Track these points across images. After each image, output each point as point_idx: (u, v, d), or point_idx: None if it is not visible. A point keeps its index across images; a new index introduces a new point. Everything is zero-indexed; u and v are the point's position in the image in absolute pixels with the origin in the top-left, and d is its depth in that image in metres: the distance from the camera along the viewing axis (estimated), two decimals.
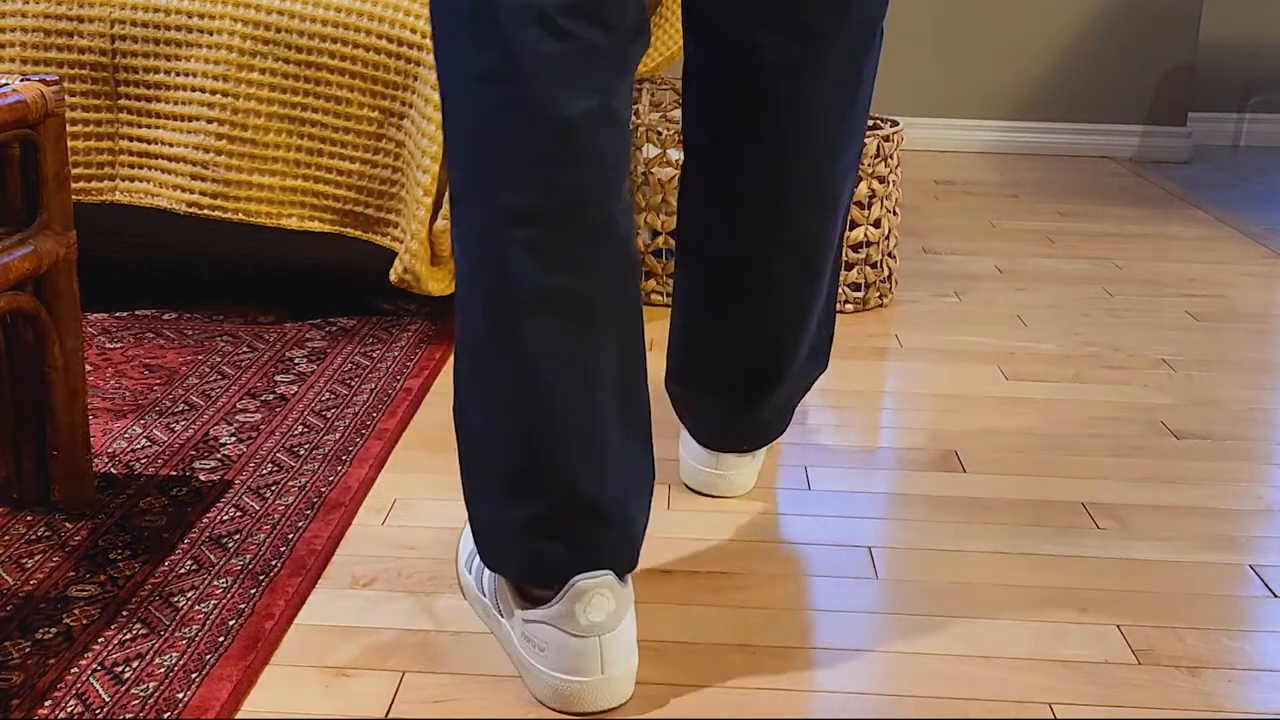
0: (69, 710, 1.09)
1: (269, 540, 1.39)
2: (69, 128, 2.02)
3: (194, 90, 2.00)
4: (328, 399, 1.79)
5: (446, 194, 1.92)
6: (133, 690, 1.12)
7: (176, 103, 2.01)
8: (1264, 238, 2.95)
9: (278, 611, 1.25)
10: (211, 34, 1.98)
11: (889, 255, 2.31)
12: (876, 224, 2.28)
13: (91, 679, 1.13)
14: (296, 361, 1.93)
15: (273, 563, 1.34)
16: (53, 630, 1.20)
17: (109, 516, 1.43)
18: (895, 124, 2.36)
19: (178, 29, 1.99)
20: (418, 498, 1.52)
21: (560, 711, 1.12)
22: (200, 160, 2.01)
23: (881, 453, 1.69)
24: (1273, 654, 1.24)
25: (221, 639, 1.20)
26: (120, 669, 1.15)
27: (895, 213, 2.34)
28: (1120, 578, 1.37)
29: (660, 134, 2.26)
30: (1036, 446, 1.72)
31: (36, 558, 1.34)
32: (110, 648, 1.18)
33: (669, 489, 1.55)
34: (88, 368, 1.88)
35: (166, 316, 2.13)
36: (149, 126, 2.03)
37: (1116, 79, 3.94)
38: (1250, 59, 4.17)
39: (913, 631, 1.26)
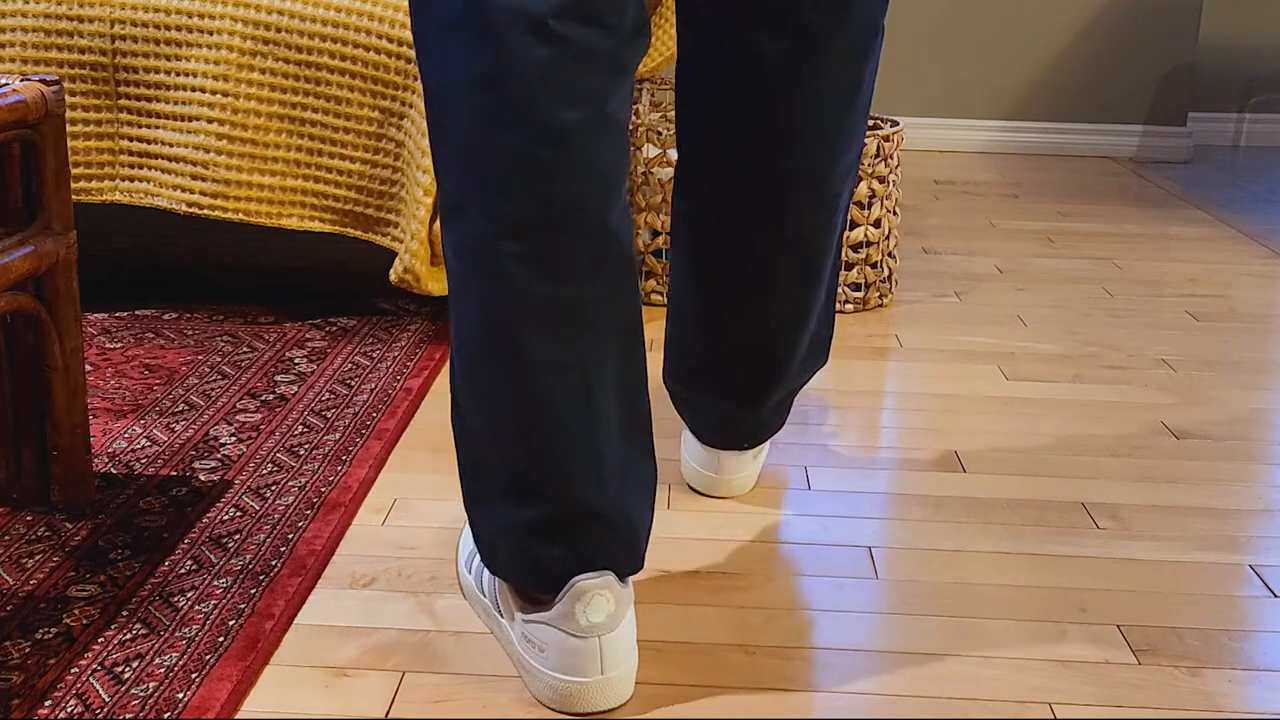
0: (69, 710, 1.09)
1: (269, 540, 1.39)
2: (69, 128, 2.02)
3: (194, 90, 2.00)
4: (328, 399, 1.79)
5: None
6: (133, 690, 1.12)
7: (176, 103, 2.01)
8: (1264, 238, 2.95)
9: (278, 611, 1.25)
10: (211, 34, 1.99)
11: (889, 255, 2.31)
12: (876, 224, 2.28)
13: (91, 679, 1.13)
14: (296, 361, 1.93)
15: (273, 563, 1.34)
16: (53, 630, 1.20)
17: (109, 516, 1.43)
18: (895, 124, 2.36)
19: (178, 29, 1.99)
20: (418, 498, 1.52)
21: (560, 712, 1.12)
22: (200, 160, 2.01)
23: (881, 453, 1.69)
24: (1273, 654, 1.24)
25: (221, 639, 1.20)
26: (120, 669, 1.15)
27: (895, 213, 2.34)
28: (1120, 578, 1.37)
29: (660, 134, 2.26)
30: (1036, 446, 1.72)
31: (36, 558, 1.34)
32: (110, 648, 1.18)
33: (669, 489, 1.55)
34: (88, 368, 1.88)
35: (166, 316, 2.13)
36: (149, 126, 2.03)
37: (1116, 79, 3.94)
38: (1250, 59, 4.17)
39: (913, 631, 1.26)
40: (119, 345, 1.99)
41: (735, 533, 1.45)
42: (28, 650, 1.17)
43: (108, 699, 1.10)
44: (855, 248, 2.26)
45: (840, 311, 2.27)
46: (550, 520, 1.10)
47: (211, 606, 1.25)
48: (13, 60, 2.00)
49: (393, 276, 1.98)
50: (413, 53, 1.95)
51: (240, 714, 1.11)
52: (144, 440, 1.64)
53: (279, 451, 1.61)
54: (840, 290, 2.26)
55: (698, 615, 1.28)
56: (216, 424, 1.69)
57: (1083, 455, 1.69)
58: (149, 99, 2.02)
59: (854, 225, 2.25)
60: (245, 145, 2.00)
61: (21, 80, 1.33)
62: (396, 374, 1.89)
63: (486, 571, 1.21)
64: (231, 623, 1.23)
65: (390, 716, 1.11)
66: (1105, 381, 1.97)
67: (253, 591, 1.28)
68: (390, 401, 1.78)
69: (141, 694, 1.11)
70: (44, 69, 2.01)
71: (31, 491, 1.44)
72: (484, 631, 1.24)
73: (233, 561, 1.34)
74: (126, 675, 1.14)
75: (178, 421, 1.70)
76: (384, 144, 1.99)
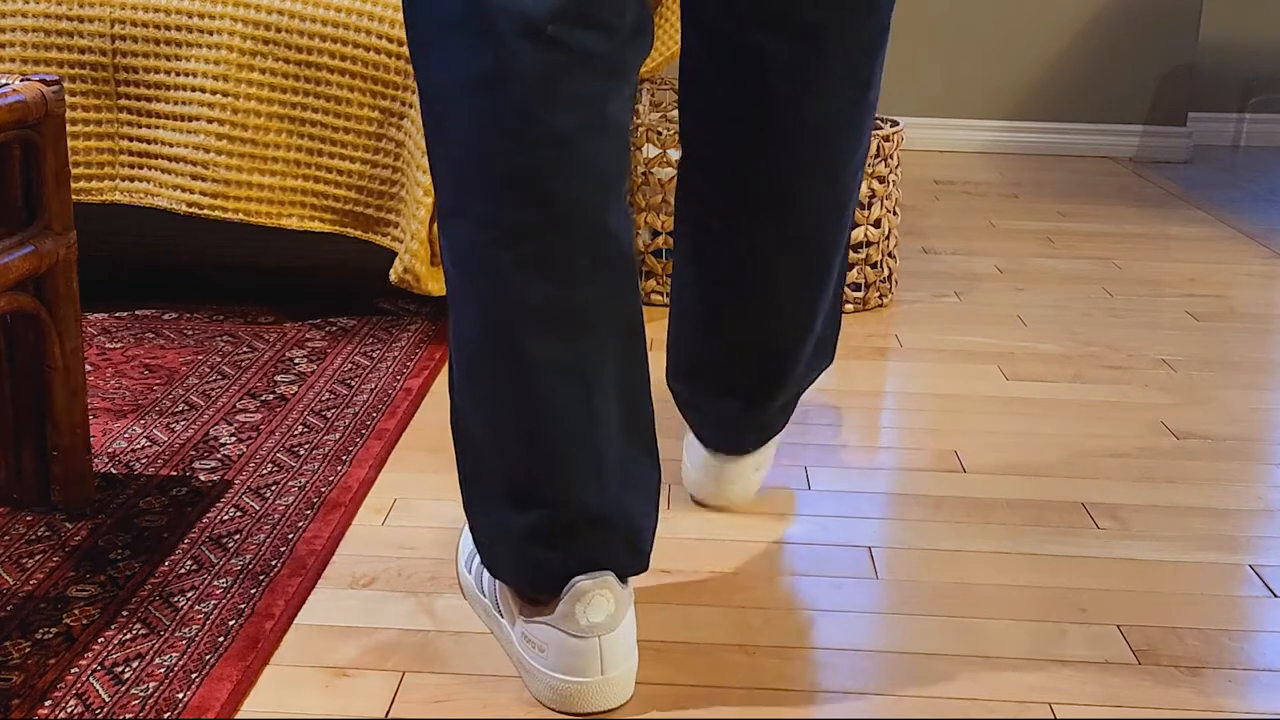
0: (69, 710, 1.09)
1: (269, 540, 1.39)
2: (69, 128, 2.02)
3: (194, 90, 2.00)
4: (328, 399, 1.79)
5: None
6: (133, 690, 1.12)
7: (176, 103, 2.01)
8: (1264, 238, 2.95)
9: (278, 611, 1.25)
10: (211, 34, 1.99)
11: (889, 255, 2.31)
12: (876, 224, 2.28)
13: (91, 679, 1.13)
14: (296, 361, 1.93)
15: (273, 563, 1.34)
16: (53, 630, 1.20)
17: (109, 516, 1.43)
18: (895, 124, 2.36)
19: (178, 29, 1.99)
20: (418, 498, 1.52)
21: (560, 712, 1.12)
22: (200, 160, 2.01)
23: (881, 453, 1.69)
24: (1273, 654, 1.24)
25: (221, 639, 1.20)
26: (120, 669, 1.15)
27: (895, 213, 2.34)
28: (1120, 578, 1.37)
29: (660, 134, 2.26)
30: (1036, 446, 1.72)
31: (36, 558, 1.34)
32: (110, 648, 1.18)
33: (669, 489, 1.55)
34: (88, 368, 1.88)
35: (166, 316, 2.13)
36: (149, 126, 2.03)
37: (1116, 79, 3.94)
38: (1250, 59, 4.17)
39: (913, 631, 1.26)
40: (119, 345, 1.99)
41: (735, 533, 1.45)
42: (28, 650, 1.17)
43: (108, 699, 1.10)
44: (855, 248, 2.26)
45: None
46: (551, 526, 1.10)
47: (211, 606, 1.25)
48: (13, 60, 2.00)
49: (393, 276, 1.98)
50: None
51: (240, 714, 1.11)
52: (144, 440, 1.64)
53: (279, 451, 1.61)
54: None
55: (698, 615, 1.28)
56: (216, 424, 1.69)
57: (1083, 455, 1.69)
58: (149, 99, 2.02)
59: (854, 225, 2.25)
60: (245, 145, 2.00)
61: (21, 80, 1.33)
62: (396, 374, 1.89)
63: (486, 572, 1.21)
64: (231, 623, 1.23)
65: (390, 716, 1.11)
66: (1105, 381, 1.97)
67: (253, 591, 1.28)
68: (390, 401, 1.78)
69: (141, 694, 1.11)
70: (44, 69, 2.01)
71: (31, 491, 1.44)
72: (484, 631, 1.24)
73: (233, 561, 1.34)
74: (126, 675, 1.14)
75: (178, 421, 1.70)
76: (384, 144, 1.99)
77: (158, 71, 2.01)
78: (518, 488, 1.11)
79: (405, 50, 1.96)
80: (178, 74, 2.00)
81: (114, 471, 1.55)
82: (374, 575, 1.34)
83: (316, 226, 2.04)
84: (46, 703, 1.10)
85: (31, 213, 1.35)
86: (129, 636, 1.20)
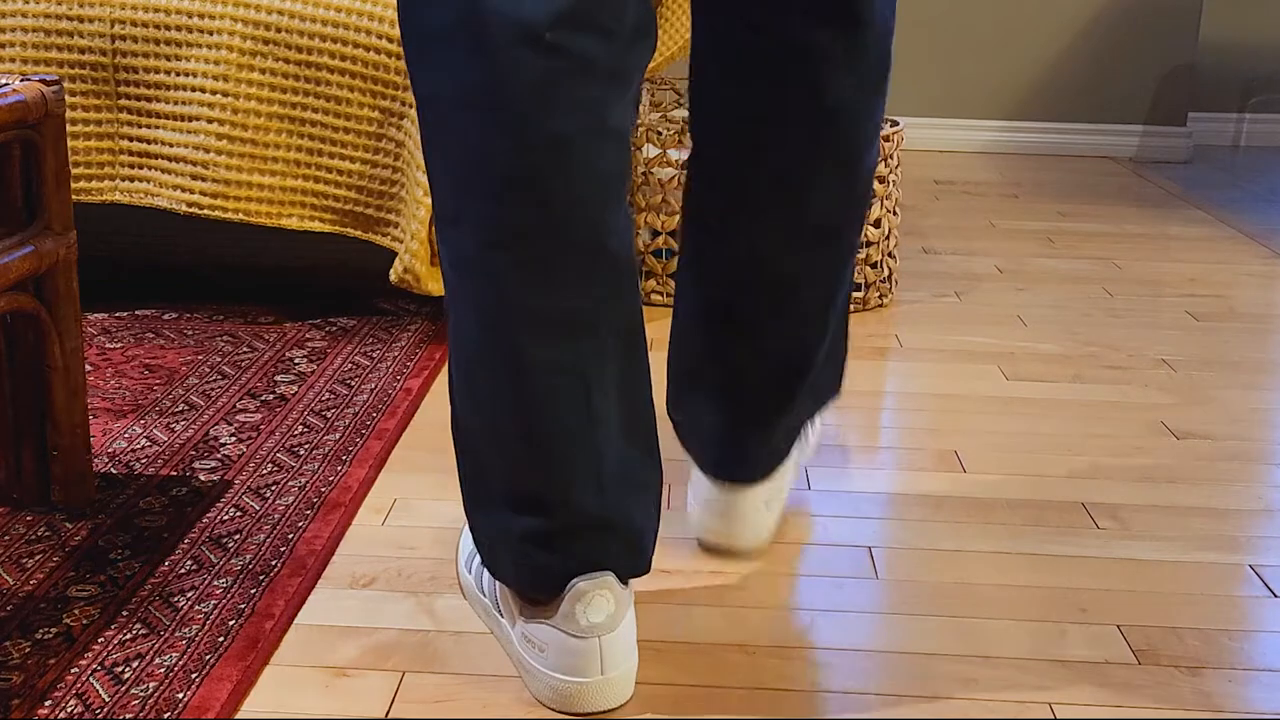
0: (69, 710, 1.09)
1: (269, 540, 1.39)
2: (69, 128, 2.02)
3: (194, 90, 2.00)
4: (328, 399, 1.79)
5: None
6: (133, 690, 1.12)
7: (176, 103, 2.01)
8: (1264, 238, 2.95)
9: (278, 611, 1.25)
10: (211, 34, 1.99)
11: (889, 255, 2.32)
12: (876, 224, 2.28)
13: (91, 679, 1.13)
14: (296, 361, 1.93)
15: (273, 563, 1.34)
16: (53, 630, 1.20)
17: (109, 516, 1.43)
18: (895, 124, 2.36)
19: (178, 29, 1.99)
20: (418, 498, 1.52)
21: (560, 712, 1.12)
22: (200, 160, 2.01)
23: (881, 453, 1.69)
24: (1273, 654, 1.24)
25: (221, 639, 1.20)
26: (120, 669, 1.15)
27: (895, 213, 2.34)
28: (1120, 578, 1.37)
29: (660, 134, 2.26)
30: (1036, 446, 1.72)
31: (36, 558, 1.34)
32: (110, 648, 1.18)
33: (669, 488, 1.55)
34: (88, 368, 1.88)
35: (166, 316, 2.13)
36: (149, 126, 2.03)
37: (1116, 79, 3.94)
38: (1250, 59, 4.17)
39: (913, 631, 1.26)
40: (119, 345, 1.99)
41: None
42: (28, 650, 1.17)
43: (108, 699, 1.10)
44: None
45: None
46: (551, 528, 1.10)
47: (211, 606, 1.25)
48: (13, 60, 2.00)
49: (393, 276, 1.98)
50: None
51: (240, 714, 1.11)
52: (144, 440, 1.64)
53: (279, 451, 1.61)
54: None
55: (698, 615, 1.28)
56: (216, 424, 1.69)
57: (1083, 455, 1.69)
58: (149, 99, 2.02)
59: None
60: (245, 145, 2.00)
61: (21, 80, 1.33)
62: (396, 374, 1.89)
63: (487, 571, 1.21)
64: (231, 623, 1.23)
65: (390, 716, 1.11)
66: (1105, 381, 1.97)
67: (253, 591, 1.28)
68: (390, 401, 1.78)
69: (141, 694, 1.11)
70: (44, 69, 2.01)
71: (31, 491, 1.44)
72: (484, 631, 1.24)
73: (233, 561, 1.34)
74: (126, 675, 1.14)
75: (178, 421, 1.70)
76: (384, 144, 1.99)
77: (158, 71, 2.01)
78: (518, 489, 1.11)
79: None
80: (178, 74, 2.00)
81: (114, 471, 1.55)
82: (374, 575, 1.34)
83: (316, 226, 2.04)
84: (46, 703, 1.10)
85: (31, 213, 1.35)
86: (129, 636, 1.20)
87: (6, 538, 1.38)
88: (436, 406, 1.79)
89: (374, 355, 1.97)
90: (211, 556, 1.35)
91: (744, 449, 1.36)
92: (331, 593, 1.31)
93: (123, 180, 2.06)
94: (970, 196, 3.33)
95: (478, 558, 1.23)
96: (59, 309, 1.39)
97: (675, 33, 2.73)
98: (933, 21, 3.92)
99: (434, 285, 1.97)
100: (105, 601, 1.26)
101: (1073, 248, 2.80)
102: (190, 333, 2.05)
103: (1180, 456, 1.70)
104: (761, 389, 1.34)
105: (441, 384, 1.87)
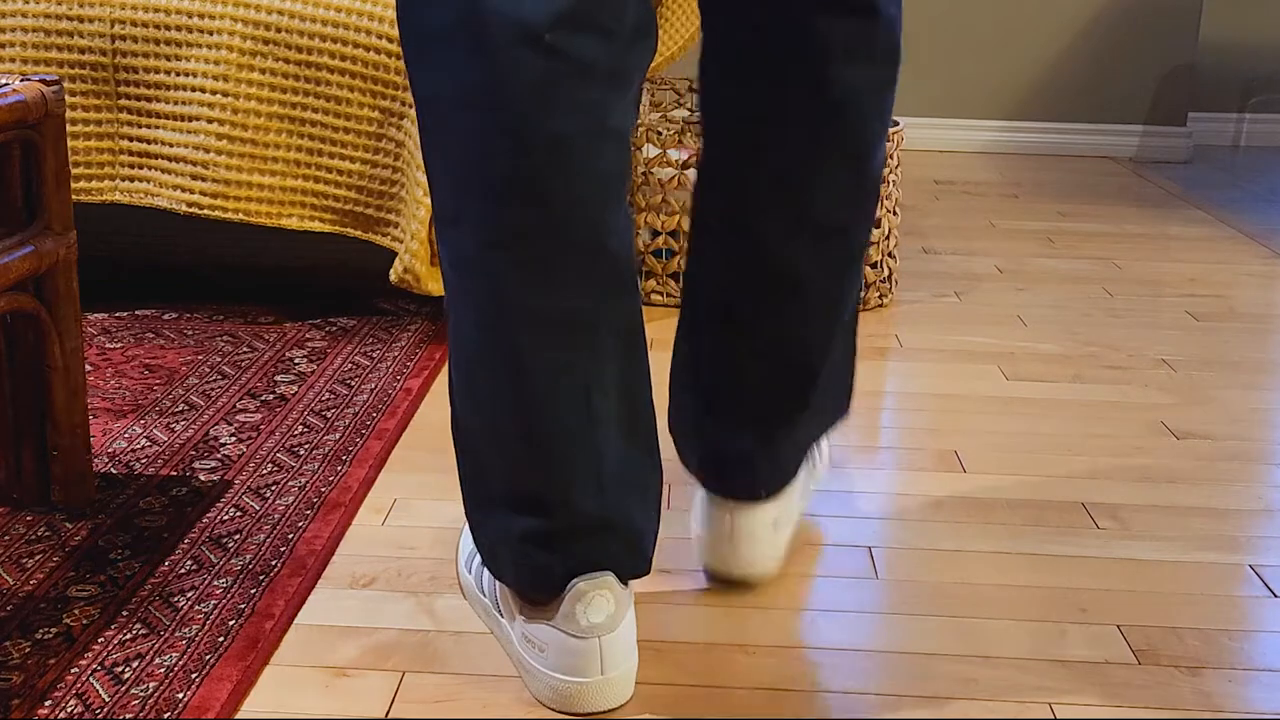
0: (69, 710, 1.09)
1: (269, 540, 1.39)
2: (69, 128, 2.02)
3: (194, 90, 2.00)
4: (328, 399, 1.79)
5: None
6: (133, 690, 1.12)
7: (176, 103, 2.01)
8: (1264, 238, 2.95)
9: (278, 611, 1.25)
10: (211, 34, 1.99)
11: (889, 255, 2.32)
12: (876, 224, 2.28)
13: (91, 679, 1.13)
14: (296, 361, 1.93)
15: (273, 563, 1.34)
16: (53, 630, 1.20)
17: (109, 516, 1.43)
18: (895, 124, 2.36)
19: (178, 29, 1.99)
20: (418, 498, 1.52)
21: (560, 712, 1.12)
22: (200, 160, 2.01)
23: (881, 453, 1.69)
24: (1273, 654, 1.24)
25: (221, 639, 1.20)
26: (120, 669, 1.15)
27: (895, 213, 2.34)
28: (1120, 578, 1.37)
29: (660, 134, 2.26)
30: (1036, 446, 1.72)
31: (36, 558, 1.34)
32: (110, 648, 1.18)
33: (669, 488, 1.55)
34: (88, 368, 1.88)
35: (166, 316, 2.13)
36: (149, 126, 2.03)
37: (1116, 79, 3.94)
38: (1250, 59, 4.17)
39: (913, 631, 1.26)
40: (119, 345, 1.99)
41: None
42: (28, 650, 1.17)
43: (108, 699, 1.10)
44: None
45: None
46: (551, 528, 1.10)
47: (211, 606, 1.25)
48: (13, 60, 2.00)
49: (393, 276, 1.98)
50: None
51: (240, 714, 1.11)
52: (144, 440, 1.64)
53: (279, 451, 1.61)
54: None
55: (698, 615, 1.28)
56: (216, 424, 1.69)
57: (1083, 455, 1.69)
58: (149, 99, 2.02)
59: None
60: (245, 145, 2.00)
61: (21, 80, 1.33)
62: (396, 374, 1.89)
63: (486, 571, 1.21)
64: (231, 623, 1.23)
65: (390, 716, 1.11)
66: (1105, 381, 1.97)
67: (253, 591, 1.28)
68: (390, 401, 1.78)
69: (141, 694, 1.11)
70: (44, 69, 2.01)
71: (31, 491, 1.44)
72: (484, 631, 1.24)
73: (233, 561, 1.34)
74: (126, 675, 1.14)
75: (178, 421, 1.70)
76: (384, 144, 1.99)
77: (158, 71, 2.01)
78: (517, 490, 1.11)
79: None
80: (178, 74, 2.00)
81: (114, 471, 1.55)
82: (374, 575, 1.34)
83: (316, 226, 2.04)
84: (46, 703, 1.10)
85: (31, 213, 1.35)
86: (129, 636, 1.20)
87: (6, 538, 1.38)
88: (436, 406, 1.79)
89: (374, 355, 1.97)
90: (211, 556, 1.35)
91: (748, 460, 1.30)
92: (331, 593, 1.31)
93: (123, 180, 2.06)
94: (970, 196, 3.33)
95: (478, 558, 1.23)
96: (59, 309, 1.39)
97: (675, 33, 2.73)
98: (933, 21, 3.92)
99: (434, 285, 1.97)
100: (105, 601, 1.26)
101: (1073, 248, 2.80)
102: (190, 333, 2.05)
103: (1180, 456, 1.70)
104: (762, 389, 1.29)
105: (441, 384, 1.87)
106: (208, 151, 2.00)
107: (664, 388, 1.41)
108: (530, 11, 0.99)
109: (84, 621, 1.22)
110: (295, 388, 1.83)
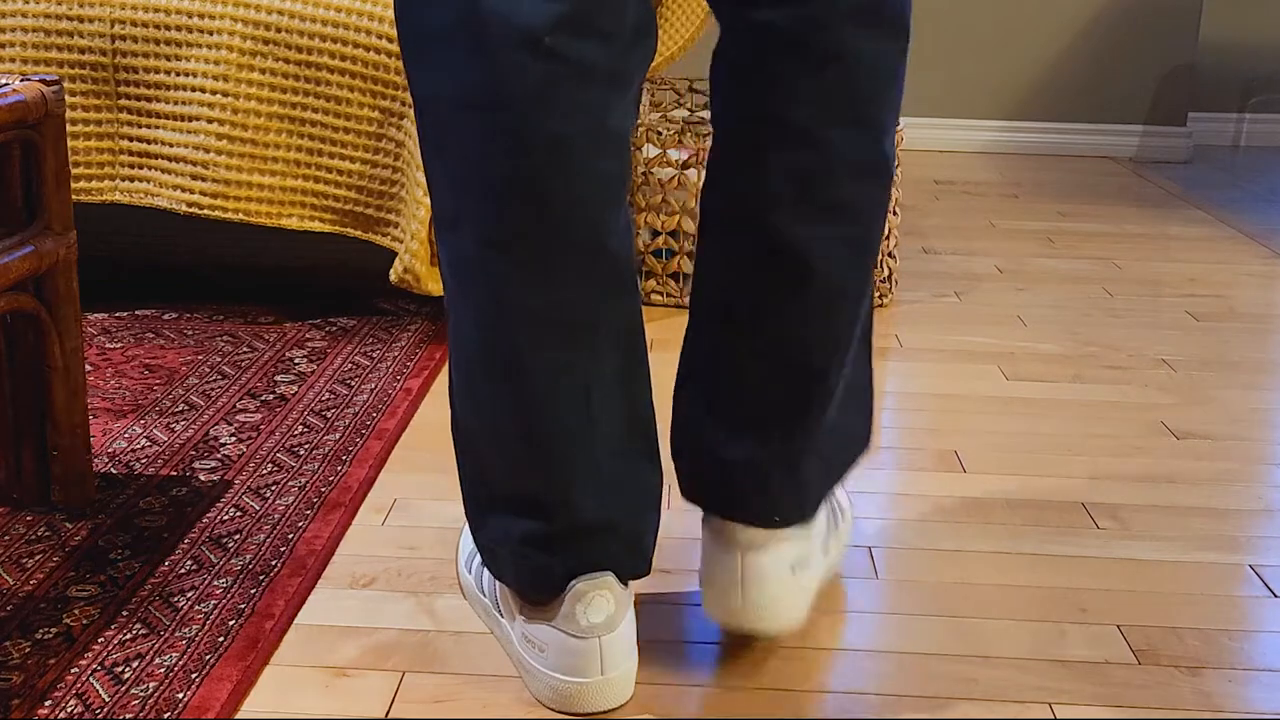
0: (69, 710, 1.09)
1: (269, 540, 1.39)
2: (69, 128, 2.02)
3: (194, 90, 2.00)
4: (328, 399, 1.79)
5: None
6: (133, 690, 1.12)
7: (176, 103, 2.01)
8: (1264, 238, 2.95)
9: (278, 611, 1.25)
10: (211, 34, 1.99)
11: (889, 255, 2.32)
12: None
13: (91, 679, 1.13)
14: (296, 361, 1.93)
15: (273, 563, 1.34)
16: (53, 630, 1.20)
17: (109, 516, 1.43)
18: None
19: (178, 29, 1.99)
20: (418, 498, 1.52)
21: (560, 712, 1.12)
22: (200, 160, 2.01)
23: (881, 453, 1.69)
24: (1273, 654, 1.24)
25: (221, 639, 1.20)
26: (120, 669, 1.15)
27: (895, 213, 2.34)
28: (1120, 578, 1.37)
29: (660, 134, 2.26)
30: (1036, 446, 1.72)
31: (36, 558, 1.34)
32: (110, 648, 1.18)
33: (670, 489, 1.55)
34: (88, 368, 1.88)
35: (166, 316, 2.13)
36: (149, 126, 2.03)
37: (1116, 79, 3.94)
38: (1250, 59, 4.17)
39: (913, 631, 1.26)
40: (119, 345, 1.99)
41: None
42: (28, 650, 1.17)
43: (108, 699, 1.10)
44: None
45: None
46: (551, 529, 1.10)
47: (211, 606, 1.25)
48: (13, 60, 2.00)
49: (393, 276, 1.98)
50: None
51: (240, 714, 1.11)
52: (144, 440, 1.64)
53: (279, 451, 1.61)
54: None
55: (698, 615, 1.28)
56: (216, 424, 1.69)
57: (1083, 455, 1.69)
58: (149, 99, 2.02)
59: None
60: (245, 145, 2.00)
61: (21, 80, 1.33)
62: (396, 374, 1.89)
63: (486, 572, 1.21)
64: (231, 623, 1.23)
65: (390, 716, 1.11)
66: (1105, 381, 1.97)
67: (253, 591, 1.28)
68: (390, 401, 1.78)
69: (141, 694, 1.11)
70: (44, 69, 2.01)
71: (31, 491, 1.44)
72: (484, 631, 1.24)
73: (233, 561, 1.34)
74: (126, 675, 1.14)
75: (178, 421, 1.70)
76: (384, 144, 1.99)
77: (158, 71, 2.01)
78: (518, 490, 1.11)
79: None
80: (178, 74, 2.00)
81: (114, 471, 1.55)
82: (374, 575, 1.34)
83: (316, 226, 2.04)
84: (46, 703, 1.10)
85: (31, 213, 1.35)
86: (129, 636, 1.20)
87: (6, 538, 1.38)
88: (436, 406, 1.79)
89: (374, 355, 1.97)
90: (211, 556, 1.35)
91: (755, 470, 1.17)
92: (331, 593, 1.31)
93: (123, 180, 2.06)
94: (970, 196, 3.33)
95: (478, 558, 1.23)
96: (59, 309, 1.39)
97: (675, 33, 2.73)
98: (933, 21, 3.92)
99: (434, 285, 1.97)
100: (105, 601, 1.26)
101: (1073, 248, 2.80)
102: (190, 333, 2.05)
103: (1180, 456, 1.70)
104: (762, 390, 1.21)
105: (441, 384, 1.87)
106: (208, 151, 2.00)
107: (664, 388, 1.38)
108: (529, 15, 0.99)
109: (84, 621, 1.22)
110: (295, 388, 1.83)
